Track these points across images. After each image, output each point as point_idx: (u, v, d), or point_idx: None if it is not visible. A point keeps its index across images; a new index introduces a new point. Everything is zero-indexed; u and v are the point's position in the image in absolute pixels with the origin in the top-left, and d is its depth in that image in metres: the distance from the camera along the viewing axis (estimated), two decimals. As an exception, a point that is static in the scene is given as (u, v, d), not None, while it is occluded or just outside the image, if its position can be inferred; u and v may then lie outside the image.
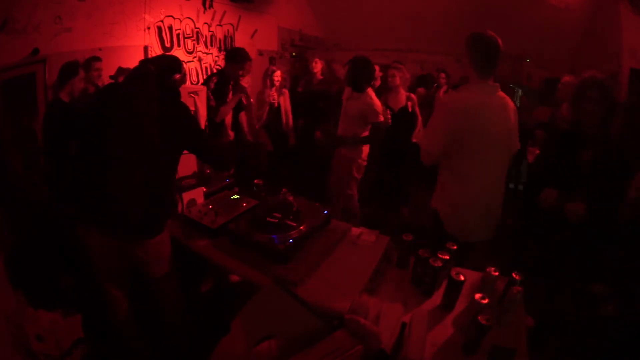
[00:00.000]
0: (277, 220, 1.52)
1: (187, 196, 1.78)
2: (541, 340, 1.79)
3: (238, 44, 4.26)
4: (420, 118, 3.23)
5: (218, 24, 4.15)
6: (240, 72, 2.75)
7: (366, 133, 2.65)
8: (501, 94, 1.59)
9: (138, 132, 1.23)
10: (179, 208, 1.75)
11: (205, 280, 2.17)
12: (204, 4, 3.90)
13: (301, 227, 1.50)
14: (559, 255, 1.83)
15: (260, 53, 4.70)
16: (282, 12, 5.12)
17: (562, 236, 1.72)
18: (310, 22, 5.83)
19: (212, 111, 2.68)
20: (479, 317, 1.01)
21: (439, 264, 1.26)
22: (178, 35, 3.65)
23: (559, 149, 1.73)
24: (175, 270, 1.56)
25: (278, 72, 3.64)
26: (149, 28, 3.30)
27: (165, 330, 1.64)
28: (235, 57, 2.71)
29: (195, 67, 3.94)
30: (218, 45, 4.18)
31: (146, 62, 1.38)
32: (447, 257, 1.31)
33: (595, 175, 1.58)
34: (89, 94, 2.52)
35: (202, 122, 3.04)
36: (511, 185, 2.78)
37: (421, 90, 3.72)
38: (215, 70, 4.03)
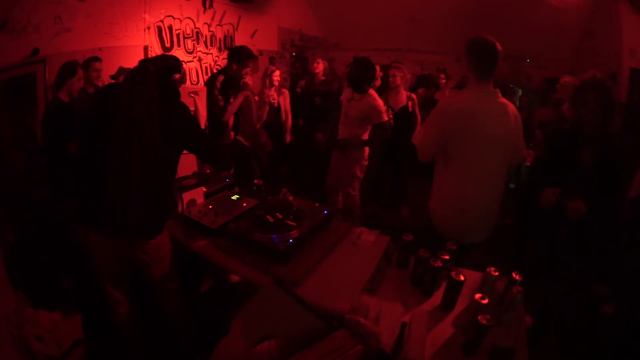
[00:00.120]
0: (277, 220, 1.53)
1: (187, 196, 1.78)
2: (541, 340, 1.79)
3: (238, 43, 4.26)
4: (419, 118, 3.23)
5: (218, 24, 4.15)
6: (246, 71, 2.74)
7: (367, 134, 2.65)
8: (502, 100, 1.57)
9: (138, 132, 1.23)
10: (179, 208, 1.75)
11: (205, 280, 2.17)
12: (204, 4, 3.90)
13: (301, 227, 1.50)
14: (559, 254, 1.83)
15: (260, 53, 4.70)
16: (282, 12, 5.13)
17: (562, 235, 1.72)
18: (310, 22, 5.83)
19: (220, 110, 2.67)
20: (479, 317, 1.01)
21: (439, 264, 1.26)
22: (178, 35, 3.65)
23: (560, 149, 1.73)
24: (176, 270, 1.56)
25: (277, 72, 3.64)
26: (149, 28, 3.30)
27: (165, 331, 1.64)
28: (239, 55, 2.70)
29: (195, 67, 3.94)
30: (218, 45, 4.19)
31: (146, 62, 1.37)
32: (447, 257, 1.31)
33: (595, 175, 1.58)
34: (88, 93, 2.52)
35: (202, 122, 3.04)
36: (511, 186, 2.77)
37: (421, 90, 3.72)
38: (215, 71, 4.03)
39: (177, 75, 1.43)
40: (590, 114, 1.59)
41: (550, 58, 4.53)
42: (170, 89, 1.41)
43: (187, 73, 3.83)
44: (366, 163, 2.75)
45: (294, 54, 5.62)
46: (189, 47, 3.81)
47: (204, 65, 4.05)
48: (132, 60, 2.80)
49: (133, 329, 1.60)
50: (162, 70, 1.35)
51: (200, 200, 1.84)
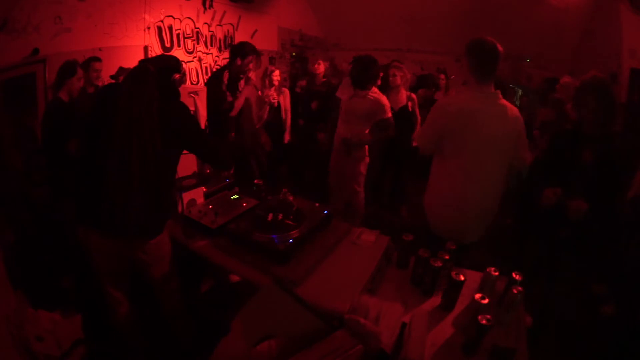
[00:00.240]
0: (277, 221, 1.53)
1: (187, 196, 1.78)
2: (541, 340, 1.79)
3: (238, 43, 4.26)
4: (419, 119, 3.23)
5: (218, 24, 4.15)
6: (250, 66, 2.73)
7: (367, 131, 2.64)
8: (503, 101, 1.57)
9: (138, 132, 1.23)
10: (179, 208, 1.75)
11: (205, 280, 2.17)
12: (204, 4, 3.90)
13: (301, 227, 1.50)
14: (559, 254, 1.83)
15: (260, 53, 4.70)
16: (282, 12, 5.13)
17: (562, 235, 1.72)
18: (310, 22, 5.83)
19: (229, 107, 2.66)
20: (479, 317, 1.01)
21: (439, 264, 1.26)
22: (178, 35, 3.65)
23: (560, 149, 1.73)
24: (176, 270, 1.56)
25: (277, 72, 3.64)
26: (149, 28, 3.30)
27: (165, 331, 1.64)
28: (244, 50, 2.69)
29: (195, 67, 3.94)
30: (218, 46, 4.19)
31: (146, 62, 1.37)
32: (447, 257, 1.31)
33: (595, 175, 1.58)
34: (88, 93, 2.52)
35: (202, 122, 3.04)
36: (511, 186, 2.78)
37: (421, 91, 3.72)
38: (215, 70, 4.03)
39: (177, 75, 1.43)
40: (590, 114, 1.59)
41: (550, 58, 4.53)
42: (170, 89, 1.40)
43: (187, 73, 3.83)
44: (368, 160, 2.74)
45: (294, 54, 5.63)
46: (189, 47, 3.82)
47: (204, 65, 4.05)
48: (132, 60, 2.80)
49: (133, 329, 1.60)
50: (162, 70, 1.35)
51: (200, 200, 1.84)
